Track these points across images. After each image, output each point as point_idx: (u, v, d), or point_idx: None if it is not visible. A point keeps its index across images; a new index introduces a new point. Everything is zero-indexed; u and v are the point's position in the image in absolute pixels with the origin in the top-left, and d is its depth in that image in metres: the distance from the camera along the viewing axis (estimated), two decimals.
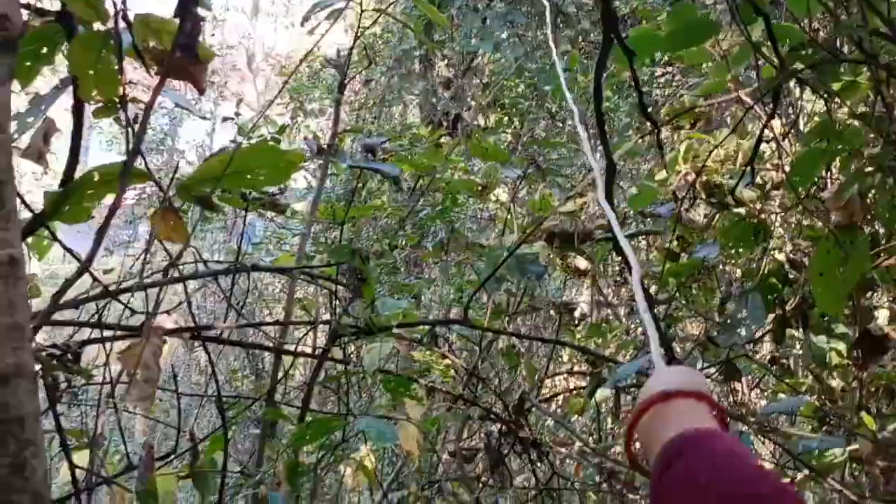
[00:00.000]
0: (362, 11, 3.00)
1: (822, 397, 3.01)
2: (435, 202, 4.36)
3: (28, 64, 1.93)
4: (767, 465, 3.24)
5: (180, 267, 2.29)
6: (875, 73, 2.11)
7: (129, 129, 1.87)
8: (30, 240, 2.13)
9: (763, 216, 2.82)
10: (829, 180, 2.90)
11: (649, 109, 5.55)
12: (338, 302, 2.83)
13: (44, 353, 1.95)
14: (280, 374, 3.09)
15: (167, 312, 2.23)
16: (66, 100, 2.04)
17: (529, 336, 4.23)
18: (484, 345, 3.42)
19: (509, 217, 3.74)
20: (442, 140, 4.20)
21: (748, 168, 2.58)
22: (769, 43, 2.16)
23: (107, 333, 2.21)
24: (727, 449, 0.95)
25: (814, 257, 2.37)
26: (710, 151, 2.81)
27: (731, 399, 3.34)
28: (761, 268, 2.81)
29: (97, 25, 1.75)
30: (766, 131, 2.45)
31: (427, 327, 3.41)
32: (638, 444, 1.10)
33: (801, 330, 2.85)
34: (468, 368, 3.34)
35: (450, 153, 3.62)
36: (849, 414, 2.90)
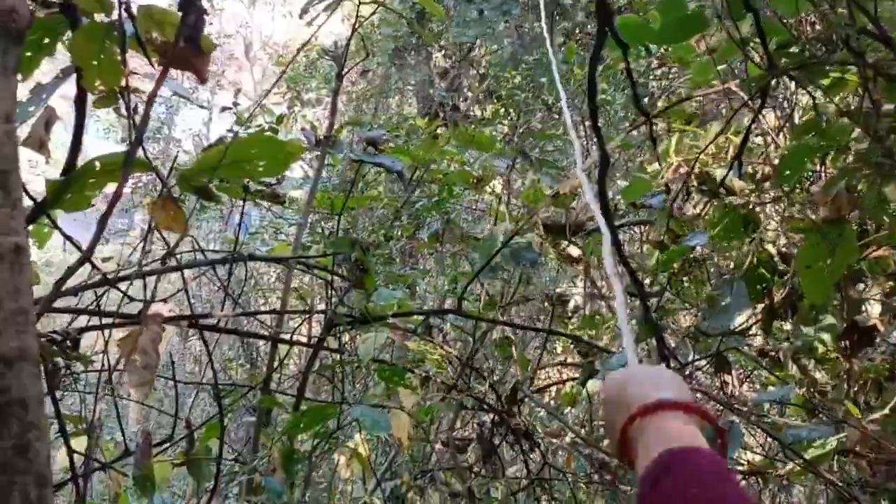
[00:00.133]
0: (360, 3, 3.02)
1: (811, 389, 3.05)
2: (431, 193, 4.38)
3: (29, 54, 1.95)
4: (757, 457, 3.28)
5: (178, 256, 2.32)
6: (863, 72, 2.14)
7: (131, 120, 1.89)
8: (30, 227, 2.15)
9: (753, 207, 2.85)
10: (822, 174, 2.93)
11: (645, 100, 5.59)
12: (333, 292, 2.86)
13: (44, 340, 1.98)
14: (276, 363, 3.11)
15: (164, 300, 2.26)
16: (62, 88, 2.06)
17: (522, 325, 4.26)
18: (478, 335, 3.44)
19: (502, 208, 3.76)
20: (439, 131, 4.22)
21: (736, 162, 2.61)
22: (758, 39, 2.19)
23: (106, 321, 2.24)
24: (713, 469, 0.96)
25: (802, 249, 2.41)
26: (704, 148, 2.84)
27: (721, 391, 3.36)
28: (750, 257, 2.84)
29: (100, 16, 1.77)
30: (755, 126, 2.48)
31: (422, 317, 3.43)
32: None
33: (789, 321, 2.88)
34: (462, 359, 3.37)
35: (445, 145, 3.64)
36: (837, 405, 2.94)
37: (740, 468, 3.20)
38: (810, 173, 3.07)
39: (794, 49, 2.34)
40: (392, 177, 3.54)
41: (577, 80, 5.46)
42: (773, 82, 2.46)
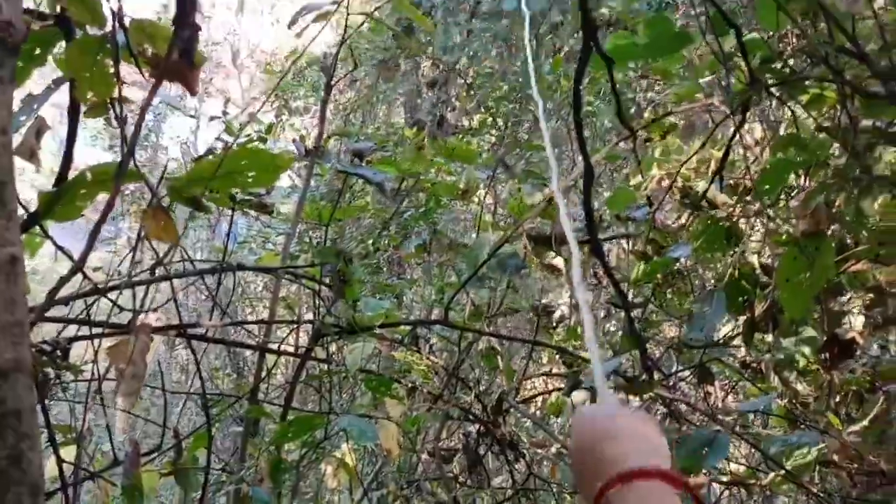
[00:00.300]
0: (349, 15, 3.05)
1: (792, 400, 3.08)
2: (418, 203, 4.40)
3: (21, 65, 1.97)
4: (741, 468, 3.31)
5: (167, 265, 2.34)
6: (841, 88, 2.19)
7: (122, 130, 1.91)
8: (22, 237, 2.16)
9: (735, 220, 2.88)
10: (802, 189, 2.97)
11: (632, 111, 5.63)
12: (321, 302, 2.88)
13: (34, 350, 1.99)
14: (263, 373, 3.13)
15: (154, 310, 2.27)
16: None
17: (508, 336, 4.28)
18: (464, 346, 3.46)
19: (487, 218, 3.79)
20: (426, 141, 4.25)
21: (717, 176, 2.65)
22: (740, 54, 2.23)
23: (95, 331, 2.25)
24: None
25: (781, 263, 2.44)
26: (685, 162, 2.87)
27: (705, 401, 3.40)
28: (731, 269, 2.88)
29: (94, 29, 1.80)
30: (737, 140, 2.52)
31: (408, 328, 3.45)
32: None
33: (771, 333, 2.91)
34: (448, 369, 3.39)
35: (433, 156, 3.67)
36: (818, 416, 2.97)
37: (724, 478, 3.24)
38: (793, 186, 3.11)
39: (776, 65, 2.38)
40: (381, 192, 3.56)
41: (563, 92, 5.49)
42: (759, 96, 2.50)
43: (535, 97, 1.98)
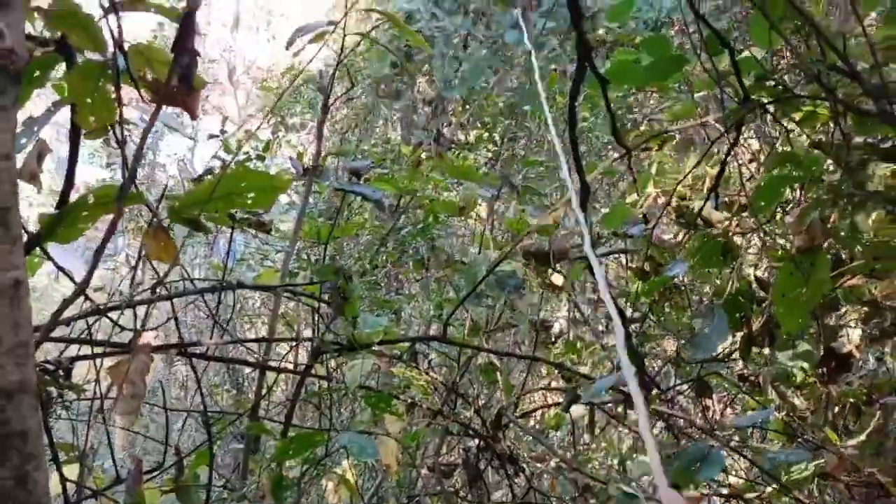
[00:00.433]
0: (345, 35, 3.07)
1: (790, 415, 3.10)
2: (416, 220, 4.42)
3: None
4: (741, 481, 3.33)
5: (167, 284, 2.36)
6: (833, 106, 2.21)
7: (123, 152, 1.94)
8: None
9: (731, 236, 2.91)
10: (796, 204, 3.00)
11: (628, 126, 5.67)
12: (320, 319, 2.90)
13: (38, 370, 2.00)
14: (263, 390, 3.14)
15: (155, 329, 2.29)
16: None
17: (507, 353, 4.30)
18: (463, 361, 3.48)
19: (486, 235, 3.81)
20: (423, 156, 4.28)
21: (712, 193, 2.67)
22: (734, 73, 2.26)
23: (97, 349, 2.27)
24: None
25: (777, 278, 2.46)
26: (680, 180, 2.90)
27: (703, 415, 3.41)
28: (728, 286, 2.90)
29: (93, 53, 1.82)
30: (731, 157, 2.54)
31: (407, 344, 3.47)
32: None
33: (767, 348, 2.93)
34: (447, 384, 3.40)
35: (430, 173, 3.70)
36: (816, 430, 2.99)
37: (723, 492, 3.25)
38: (788, 201, 3.13)
39: (769, 82, 2.41)
40: (379, 209, 3.59)
41: (559, 108, 5.53)
42: (754, 113, 2.53)
43: (550, 130, 2.01)
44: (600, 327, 5.04)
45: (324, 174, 3.13)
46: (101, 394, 2.19)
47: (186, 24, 1.60)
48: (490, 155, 7.32)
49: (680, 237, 3.12)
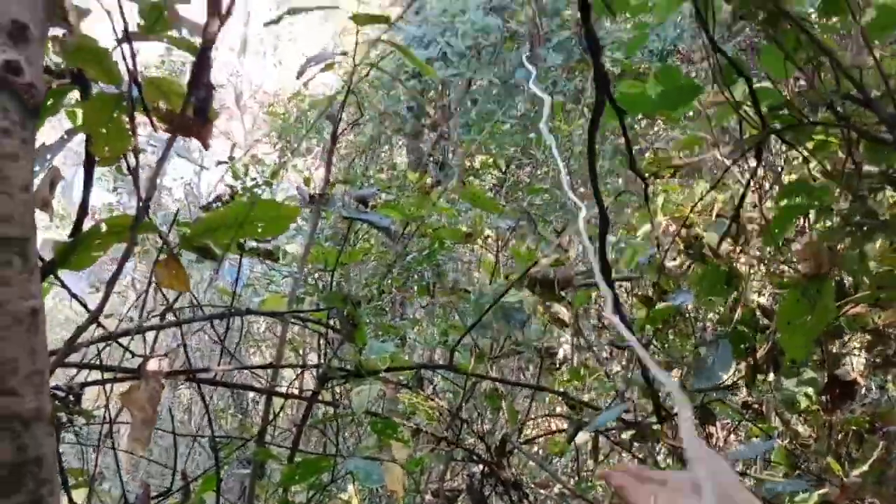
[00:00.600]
0: (355, 66, 3.11)
1: (793, 442, 3.11)
2: (422, 246, 4.45)
3: None
4: None
5: (176, 310, 2.38)
6: (846, 135, 2.24)
7: (135, 181, 1.97)
8: None
9: (735, 264, 2.93)
10: (801, 232, 3.02)
11: (635, 149, 5.69)
12: (327, 344, 2.92)
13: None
14: (270, 416, 3.15)
15: (165, 355, 2.31)
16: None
17: (512, 381, 4.31)
18: (468, 387, 3.49)
19: (493, 262, 3.84)
20: (429, 181, 4.31)
21: (732, 222, 2.70)
22: (750, 103, 2.29)
23: (107, 375, 2.29)
24: None
25: (782, 306, 2.48)
26: (690, 210, 2.92)
27: (707, 442, 3.42)
28: (734, 315, 2.92)
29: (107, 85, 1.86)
30: (744, 185, 2.57)
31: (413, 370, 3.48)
32: None
33: (772, 375, 2.95)
34: (452, 410, 3.41)
35: (437, 200, 3.72)
36: (819, 458, 3.00)
37: None
38: (795, 229, 3.15)
39: (784, 112, 2.44)
40: (387, 236, 3.62)
41: (563, 136, 5.57)
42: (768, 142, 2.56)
43: (555, 155, 2.04)
44: (604, 354, 5.06)
45: (331, 202, 3.16)
46: (110, 418, 2.21)
47: (202, 59, 1.64)
48: (495, 181, 7.36)
49: (685, 265, 3.14)
